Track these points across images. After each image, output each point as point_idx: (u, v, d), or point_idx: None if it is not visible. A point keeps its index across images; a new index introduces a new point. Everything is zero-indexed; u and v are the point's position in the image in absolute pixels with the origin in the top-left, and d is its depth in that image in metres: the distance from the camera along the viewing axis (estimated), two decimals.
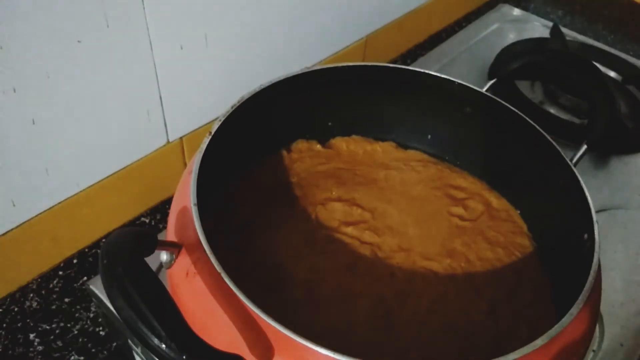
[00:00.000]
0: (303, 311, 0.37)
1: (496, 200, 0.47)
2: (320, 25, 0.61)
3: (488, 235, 0.44)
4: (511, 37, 0.77)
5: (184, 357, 0.23)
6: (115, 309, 0.24)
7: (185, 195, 0.35)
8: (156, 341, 0.23)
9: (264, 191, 0.45)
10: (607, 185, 0.54)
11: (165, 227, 0.53)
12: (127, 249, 0.26)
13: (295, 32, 0.58)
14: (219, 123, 0.41)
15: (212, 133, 0.39)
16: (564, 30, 0.75)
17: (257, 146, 0.48)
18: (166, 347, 0.23)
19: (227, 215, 0.42)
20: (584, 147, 0.44)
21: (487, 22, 0.80)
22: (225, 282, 0.28)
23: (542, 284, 0.40)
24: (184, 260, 0.32)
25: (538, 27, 0.79)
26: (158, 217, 0.55)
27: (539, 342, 0.29)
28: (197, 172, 0.35)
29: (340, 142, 0.51)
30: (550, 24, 0.77)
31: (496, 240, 0.43)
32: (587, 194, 0.37)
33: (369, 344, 0.35)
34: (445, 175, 0.49)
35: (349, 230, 0.43)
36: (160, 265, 0.34)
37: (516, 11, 0.82)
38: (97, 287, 0.41)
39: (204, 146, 0.38)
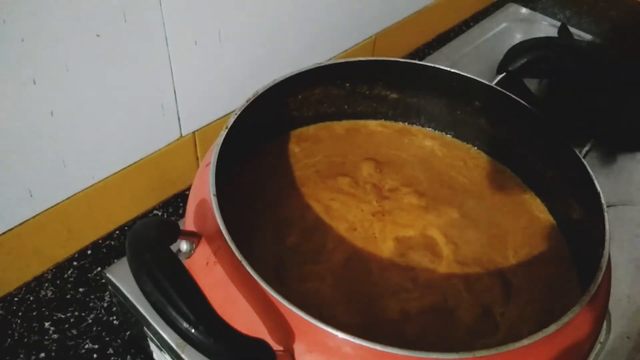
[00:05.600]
0: (321, 295, 0.38)
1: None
2: (330, 23, 0.61)
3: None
4: (518, 37, 0.77)
5: (212, 340, 0.24)
6: (144, 294, 0.24)
7: (204, 187, 0.35)
8: (185, 325, 0.23)
9: (276, 179, 0.46)
10: (614, 182, 0.55)
11: (177, 219, 0.54)
12: (153, 236, 0.27)
13: (306, 29, 0.59)
14: (235, 117, 0.41)
15: (229, 127, 0.40)
16: (571, 30, 0.76)
17: (269, 138, 0.49)
18: (195, 330, 0.23)
19: (239, 204, 0.43)
20: (592, 140, 0.45)
21: (495, 22, 0.80)
22: (246, 270, 0.29)
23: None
24: (204, 250, 0.33)
25: (545, 27, 0.79)
26: (170, 210, 0.56)
27: (540, 334, 0.29)
28: (215, 164, 0.36)
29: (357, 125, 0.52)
30: (558, 23, 0.78)
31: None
32: (596, 183, 0.38)
33: (389, 329, 0.36)
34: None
35: (368, 216, 0.44)
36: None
37: (524, 11, 0.82)
38: (113, 275, 0.41)
39: (220, 139, 0.39)
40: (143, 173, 0.52)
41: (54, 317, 0.47)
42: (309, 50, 0.61)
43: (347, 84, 0.50)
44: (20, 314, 0.47)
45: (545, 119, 0.44)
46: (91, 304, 0.48)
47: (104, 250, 0.52)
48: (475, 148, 0.52)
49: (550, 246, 0.43)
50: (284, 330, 0.28)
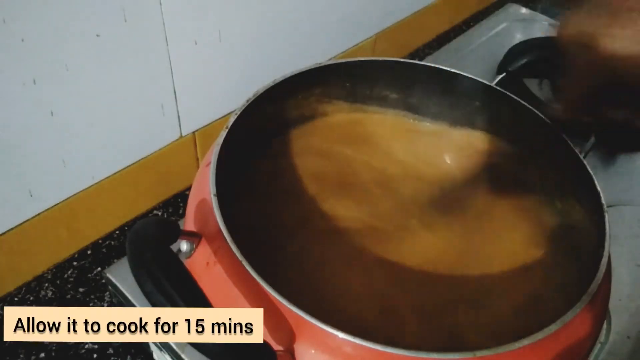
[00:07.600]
0: (321, 295, 0.38)
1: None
2: (330, 23, 0.61)
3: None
4: (519, 37, 0.77)
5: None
6: (144, 293, 0.24)
7: (204, 187, 0.35)
8: None
9: (276, 179, 0.46)
10: (615, 182, 0.54)
11: (177, 219, 0.54)
12: (154, 236, 0.27)
13: (306, 29, 0.59)
14: (235, 116, 0.41)
15: (229, 126, 0.40)
16: None
17: (270, 137, 0.49)
18: None
19: (238, 204, 0.43)
20: (592, 139, 0.45)
21: (495, 22, 0.80)
22: (246, 270, 0.29)
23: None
24: (205, 250, 0.33)
25: (546, 27, 0.79)
26: (170, 210, 0.56)
27: (540, 334, 0.29)
28: (215, 163, 0.36)
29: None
30: (558, 23, 0.78)
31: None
32: (596, 183, 0.38)
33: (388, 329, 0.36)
34: None
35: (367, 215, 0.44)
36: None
37: (524, 11, 0.82)
38: (113, 275, 0.42)
39: (221, 139, 0.39)
40: (143, 173, 0.52)
41: None
42: (309, 50, 0.61)
43: (347, 84, 0.50)
44: None
45: (545, 119, 0.44)
46: (91, 304, 0.48)
47: (104, 250, 0.52)
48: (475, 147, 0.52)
49: (549, 246, 0.44)
50: (284, 330, 0.28)
